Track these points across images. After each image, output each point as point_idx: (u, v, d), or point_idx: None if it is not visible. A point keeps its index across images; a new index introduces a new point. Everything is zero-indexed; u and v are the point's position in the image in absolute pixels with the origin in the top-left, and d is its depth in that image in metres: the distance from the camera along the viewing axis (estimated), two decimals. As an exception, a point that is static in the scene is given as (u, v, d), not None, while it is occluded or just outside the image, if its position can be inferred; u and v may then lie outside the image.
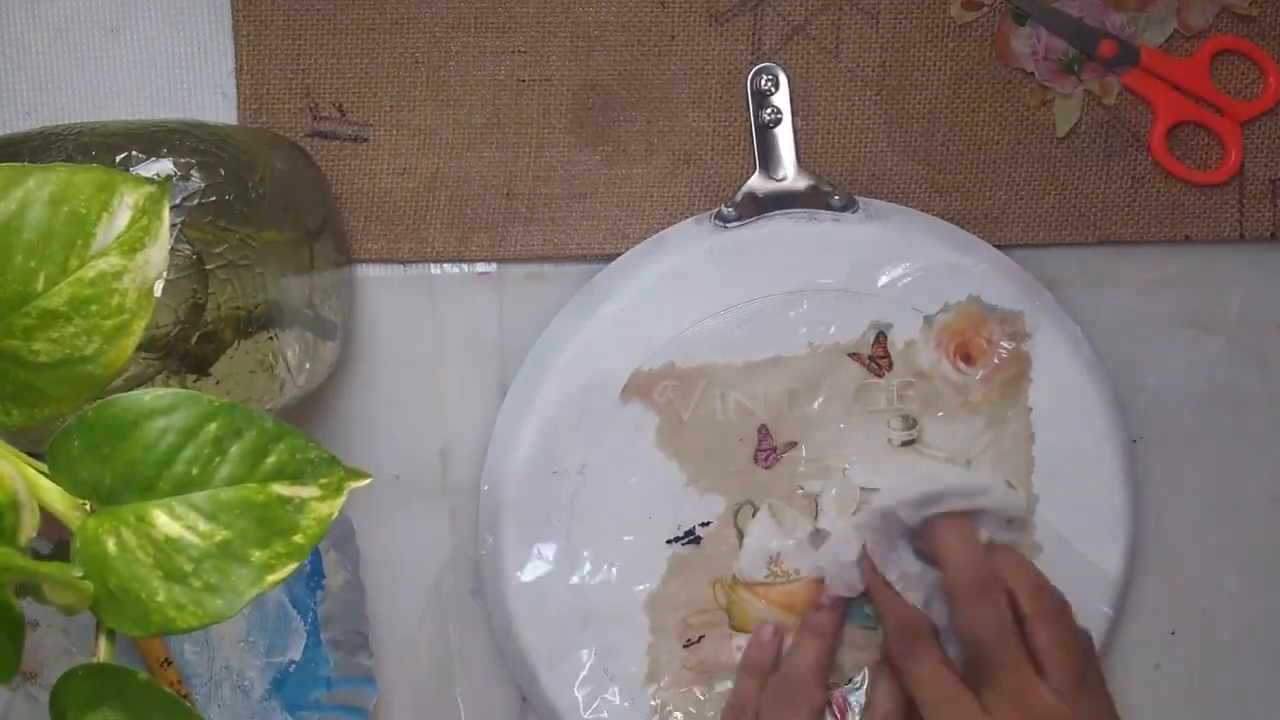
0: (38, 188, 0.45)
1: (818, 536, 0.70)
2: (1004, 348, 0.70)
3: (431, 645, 0.73)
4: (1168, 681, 0.75)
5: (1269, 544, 0.74)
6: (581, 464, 0.69)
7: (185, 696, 0.67)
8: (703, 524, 0.70)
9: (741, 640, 0.70)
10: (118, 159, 0.59)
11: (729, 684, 0.70)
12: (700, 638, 0.70)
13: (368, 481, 0.46)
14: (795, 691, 0.68)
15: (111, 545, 0.44)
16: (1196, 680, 0.75)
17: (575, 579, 0.70)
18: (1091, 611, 0.71)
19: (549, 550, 0.69)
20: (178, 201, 0.59)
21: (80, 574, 0.44)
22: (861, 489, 0.69)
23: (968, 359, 0.69)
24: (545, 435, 0.69)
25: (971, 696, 0.64)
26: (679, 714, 0.70)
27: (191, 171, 0.59)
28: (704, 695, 0.70)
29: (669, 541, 0.70)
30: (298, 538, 0.45)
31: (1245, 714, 0.75)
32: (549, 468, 0.69)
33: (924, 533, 0.67)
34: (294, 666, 0.68)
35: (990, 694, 0.63)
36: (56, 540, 0.51)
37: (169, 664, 0.67)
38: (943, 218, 0.71)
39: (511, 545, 0.70)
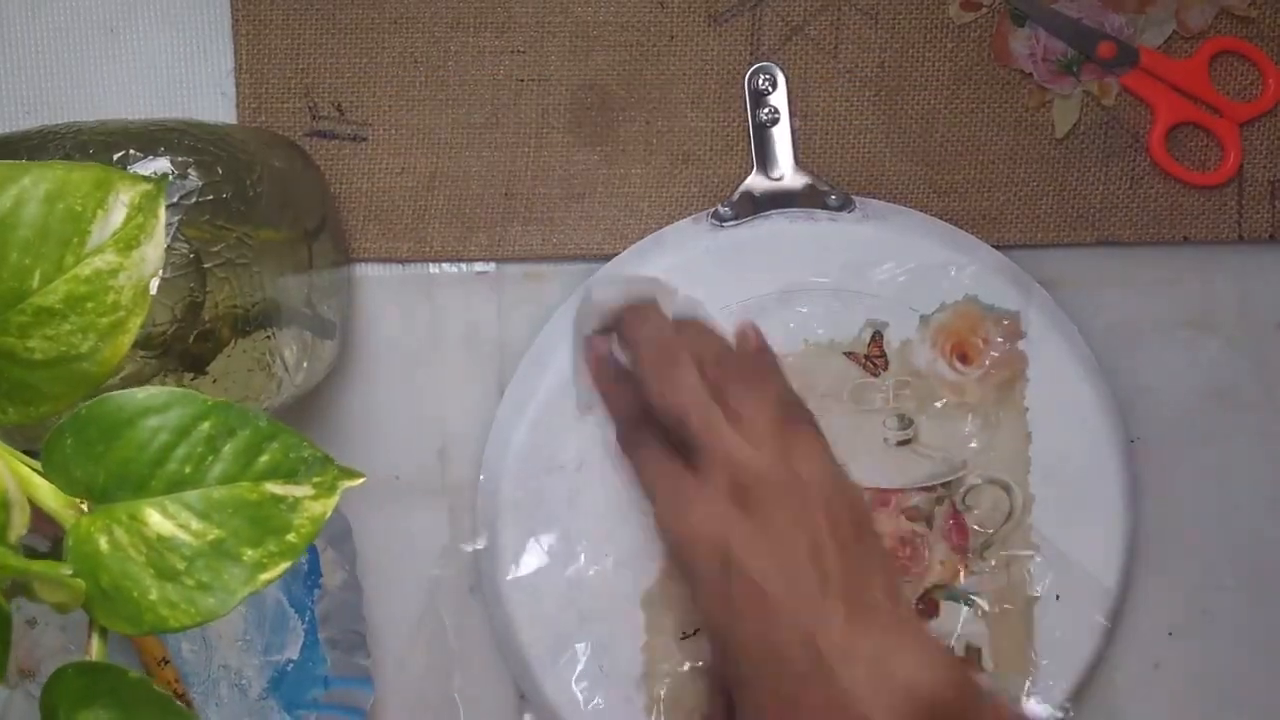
0: (33, 185, 0.45)
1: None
2: (1000, 347, 0.70)
3: (429, 643, 0.73)
4: (1168, 681, 0.75)
5: (1269, 544, 0.74)
6: (579, 461, 0.69)
7: (182, 696, 0.67)
8: (700, 523, 0.70)
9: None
10: (115, 157, 0.59)
11: None
12: (697, 630, 0.70)
13: (361, 481, 0.46)
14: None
15: (104, 543, 0.44)
16: (1196, 680, 0.75)
17: (573, 575, 0.70)
18: (1090, 612, 0.71)
19: (546, 547, 0.70)
20: (175, 200, 0.59)
21: (72, 572, 0.44)
22: (858, 488, 0.69)
23: (964, 358, 0.69)
24: (543, 434, 0.69)
25: (682, 468, 0.62)
26: (678, 707, 0.70)
27: (189, 170, 0.60)
28: (704, 686, 0.70)
29: (666, 541, 0.70)
30: (291, 537, 0.45)
31: (1245, 714, 0.75)
32: (547, 465, 0.69)
33: (619, 325, 0.66)
34: (291, 665, 0.68)
35: (698, 459, 0.61)
36: (53, 538, 0.51)
37: (166, 663, 0.67)
38: (940, 218, 0.71)
39: (509, 543, 0.70)
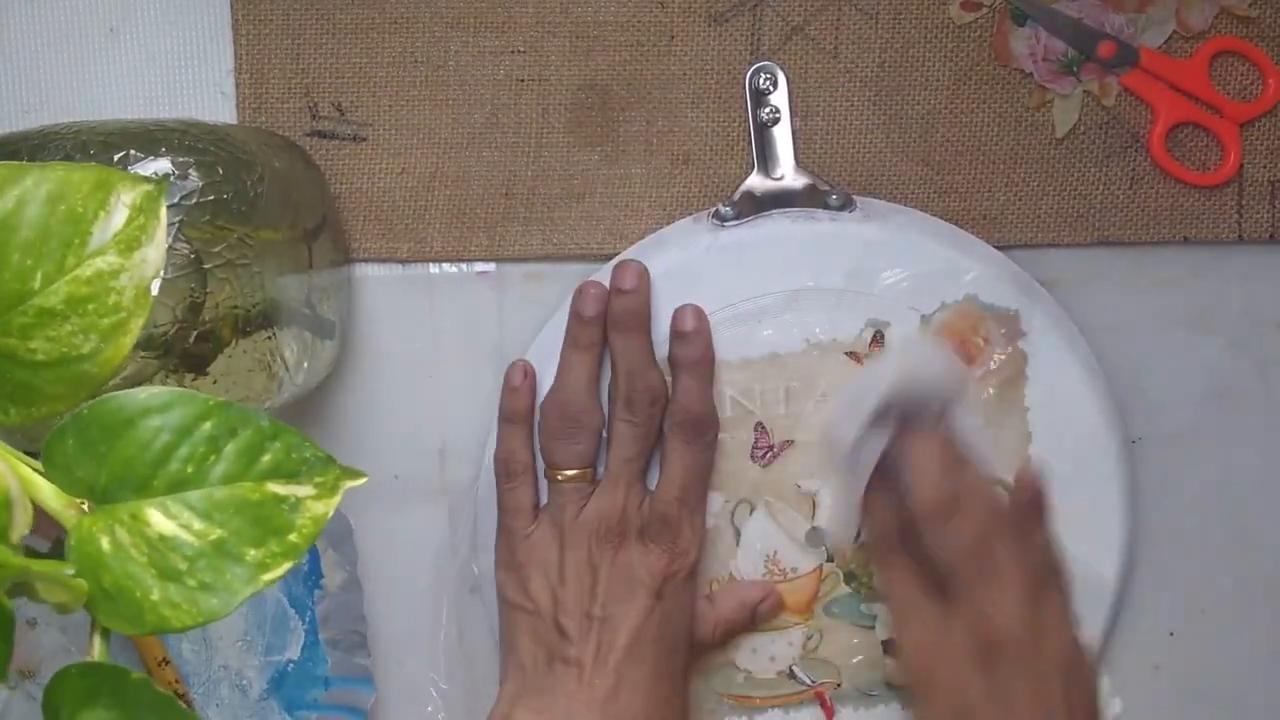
0: (35, 186, 0.45)
1: (815, 535, 0.70)
2: (1001, 347, 0.70)
3: (430, 644, 0.73)
4: (1168, 681, 0.75)
5: (1268, 544, 0.74)
6: (579, 463, 0.69)
7: (183, 696, 0.67)
8: (700, 523, 0.70)
9: (740, 637, 0.70)
10: (116, 158, 0.59)
11: (724, 676, 0.71)
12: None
13: (363, 481, 0.46)
14: (572, 415, 0.68)
15: (106, 544, 0.44)
16: (1196, 680, 0.75)
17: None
18: (1090, 612, 0.71)
19: (547, 549, 0.70)
20: (176, 200, 0.59)
21: (74, 572, 0.44)
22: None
23: (965, 358, 0.69)
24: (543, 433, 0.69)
25: (936, 600, 0.64)
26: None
27: (189, 170, 0.60)
28: (702, 688, 0.70)
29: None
30: (293, 537, 0.45)
31: (1245, 714, 0.75)
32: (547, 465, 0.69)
33: (892, 446, 0.67)
34: (292, 666, 0.68)
35: (952, 596, 0.64)
36: (55, 539, 0.51)
37: (166, 663, 0.67)
38: (941, 218, 0.71)
39: (509, 544, 0.70)
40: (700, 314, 0.68)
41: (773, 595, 0.70)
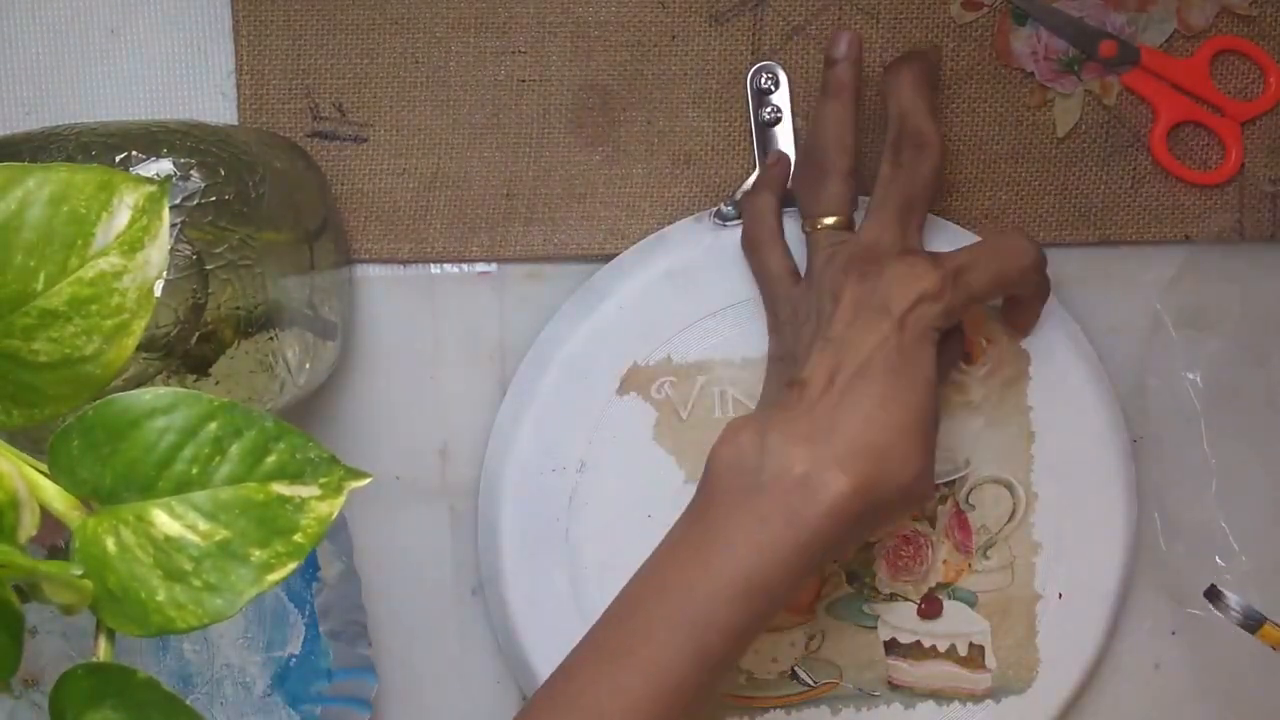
0: (38, 187, 0.45)
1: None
2: (1003, 346, 0.70)
3: (431, 645, 0.73)
4: (1168, 681, 0.75)
5: (1269, 544, 0.74)
6: (580, 462, 0.69)
7: None
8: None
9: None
10: (118, 159, 0.59)
11: (728, 675, 0.71)
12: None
13: (368, 481, 0.46)
14: (820, 158, 0.67)
15: (111, 545, 0.44)
16: (1196, 680, 0.75)
17: (573, 576, 0.70)
18: (1091, 612, 0.71)
19: (548, 549, 0.70)
20: (178, 201, 0.59)
21: (80, 573, 0.44)
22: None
23: (967, 357, 0.69)
24: (544, 434, 0.69)
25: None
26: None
27: (191, 171, 0.60)
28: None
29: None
30: (298, 537, 0.45)
31: (1245, 714, 0.75)
32: (548, 466, 0.69)
33: None
34: (294, 660, 0.68)
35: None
36: (50, 546, 0.51)
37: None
38: (942, 217, 0.71)
39: (511, 544, 0.70)
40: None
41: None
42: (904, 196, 0.65)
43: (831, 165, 0.66)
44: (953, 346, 0.67)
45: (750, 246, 0.68)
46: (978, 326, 0.69)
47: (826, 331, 0.62)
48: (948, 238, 0.70)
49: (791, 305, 0.66)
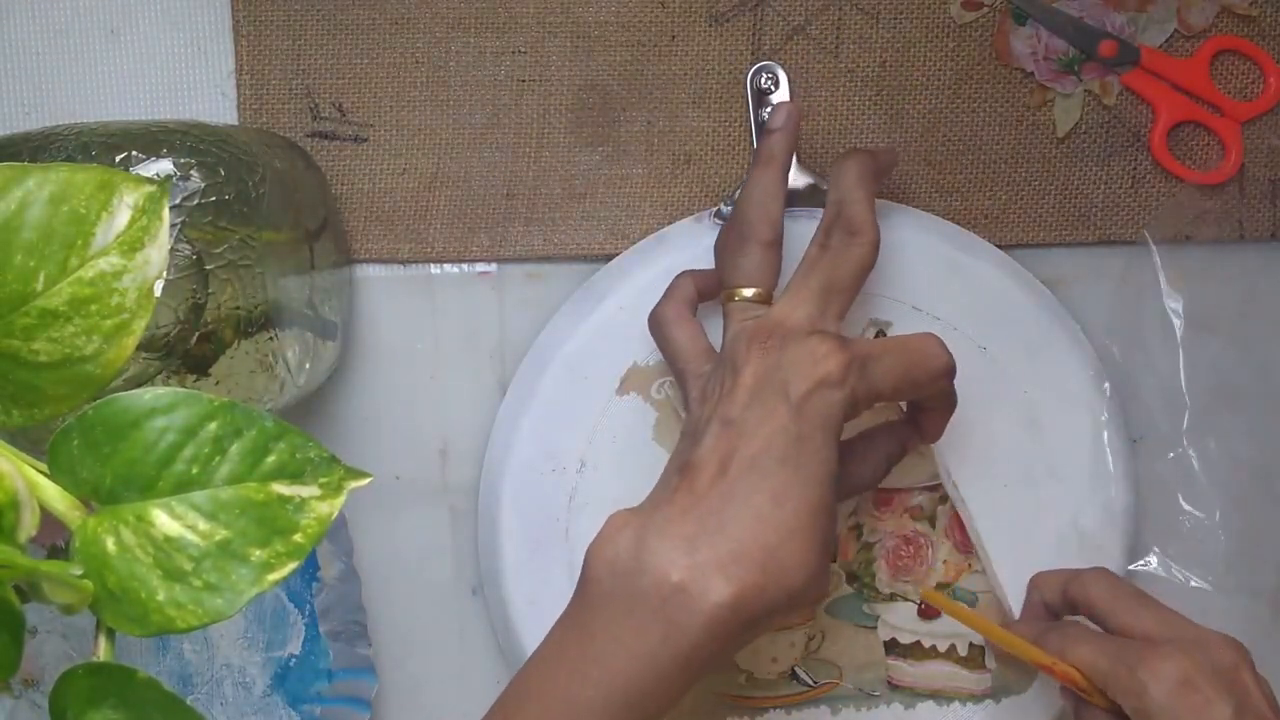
0: (38, 187, 0.45)
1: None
2: (1003, 346, 0.70)
3: (431, 645, 0.73)
4: (1168, 681, 0.75)
5: (1269, 545, 0.74)
6: (580, 462, 0.69)
7: None
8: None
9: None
10: (118, 159, 0.59)
11: (725, 677, 0.71)
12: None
13: (368, 481, 0.46)
14: (744, 226, 0.64)
15: (111, 545, 0.44)
16: (1197, 680, 0.75)
17: (574, 577, 0.69)
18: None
19: (548, 549, 0.69)
20: (178, 201, 0.59)
21: (80, 573, 0.44)
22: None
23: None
24: (544, 434, 0.69)
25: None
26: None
27: (191, 171, 0.60)
28: (702, 689, 0.70)
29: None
30: (298, 537, 0.45)
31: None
32: (548, 466, 0.69)
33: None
34: (294, 660, 0.68)
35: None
36: (50, 546, 0.51)
37: None
38: (943, 217, 0.71)
39: (511, 544, 0.70)
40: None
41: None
42: (827, 278, 0.61)
43: (754, 234, 0.64)
44: (890, 440, 0.66)
45: (656, 323, 0.66)
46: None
47: (725, 411, 0.59)
48: (950, 237, 0.70)
49: (701, 385, 0.63)
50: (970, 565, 0.71)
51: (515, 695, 0.59)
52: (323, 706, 0.68)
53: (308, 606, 0.68)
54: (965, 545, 0.71)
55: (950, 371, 0.62)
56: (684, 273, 0.67)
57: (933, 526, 0.71)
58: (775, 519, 0.57)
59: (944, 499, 0.70)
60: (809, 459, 0.58)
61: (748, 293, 0.63)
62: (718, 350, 0.63)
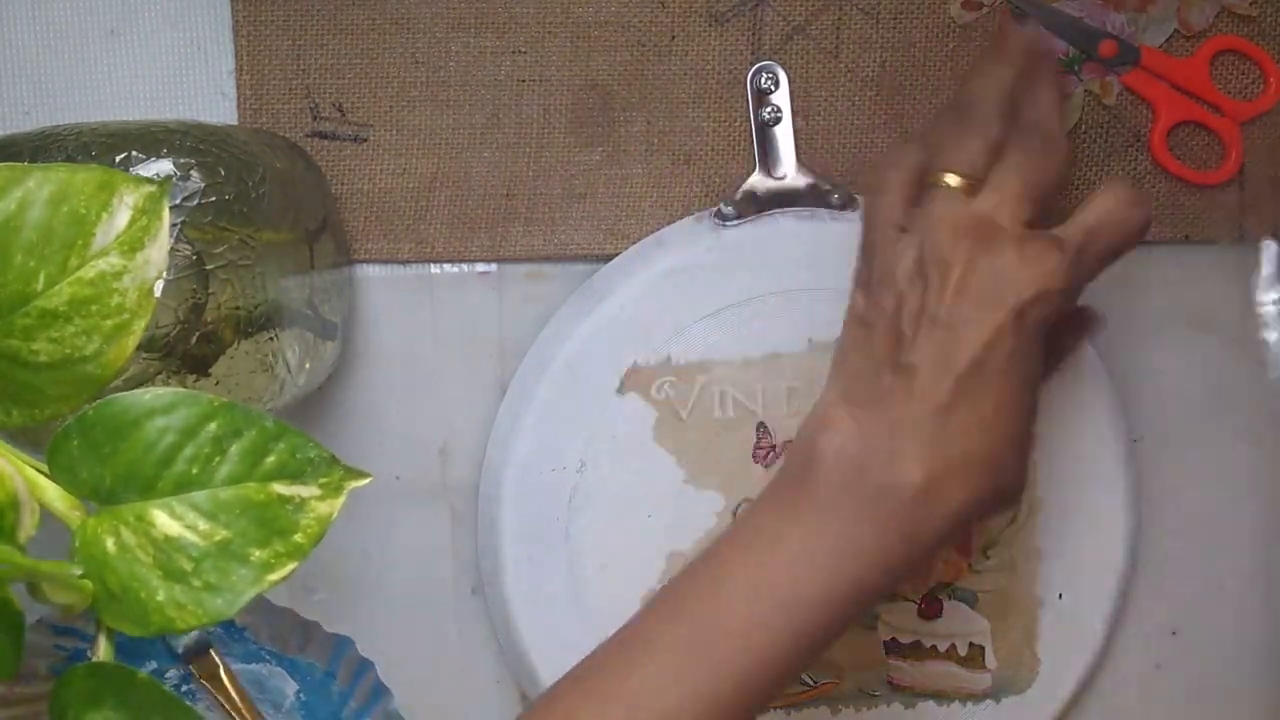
0: (38, 187, 0.45)
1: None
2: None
3: (431, 645, 0.73)
4: (1168, 681, 0.75)
5: (1269, 544, 0.74)
6: (580, 462, 0.69)
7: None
8: (701, 522, 0.70)
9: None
10: (118, 159, 0.59)
11: None
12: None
13: (368, 481, 0.46)
14: (971, 114, 0.61)
15: (111, 545, 0.44)
16: (1196, 680, 0.75)
17: (574, 576, 0.70)
18: (1091, 612, 0.71)
19: (548, 549, 0.70)
20: (178, 201, 0.59)
21: (80, 573, 0.44)
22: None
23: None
24: (544, 434, 0.69)
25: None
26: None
27: (191, 171, 0.60)
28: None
29: (667, 540, 0.70)
30: (298, 537, 0.45)
31: (1245, 714, 0.75)
32: (548, 466, 0.69)
33: None
34: None
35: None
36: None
37: None
38: (943, 217, 0.71)
39: (511, 544, 0.70)
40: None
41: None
42: (1031, 174, 0.59)
43: (982, 125, 0.60)
44: (1078, 328, 0.65)
45: (871, 187, 0.62)
46: None
47: (934, 310, 0.57)
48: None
49: (889, 263, 0.59)
50: (970, 565, 0.71)
51: (708, 578, 0.58)
52: None
53: None
54: (965, 545, 0.71)
55: (1149, 224, 0.60)
56: (915, 142, 0.62)
57: None
58: (999, 430, 0.57)
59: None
60: (1025, 366, 0.58)
61: (954, 181, 0.60)
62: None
